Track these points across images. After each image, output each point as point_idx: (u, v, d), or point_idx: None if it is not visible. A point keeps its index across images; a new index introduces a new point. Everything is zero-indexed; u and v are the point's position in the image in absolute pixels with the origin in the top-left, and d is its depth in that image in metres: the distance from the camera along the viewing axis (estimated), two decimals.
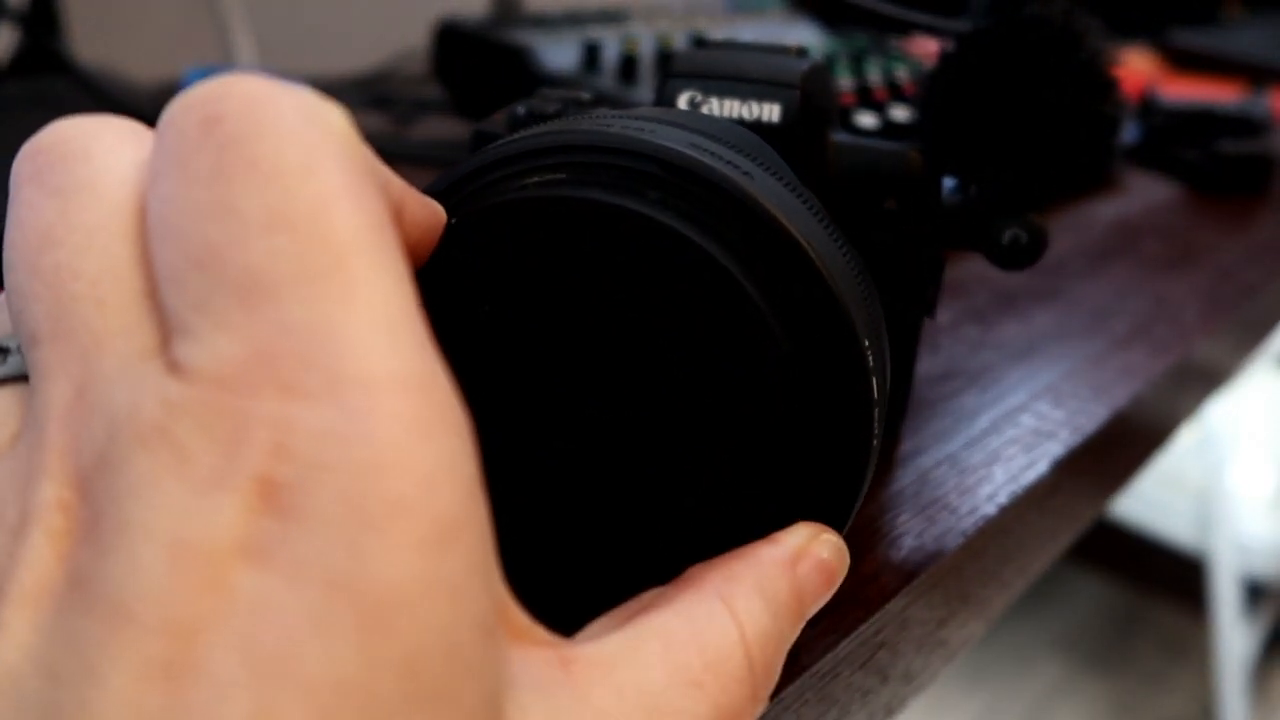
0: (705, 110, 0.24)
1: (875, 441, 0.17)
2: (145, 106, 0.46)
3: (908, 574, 0.23)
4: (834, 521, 0.18)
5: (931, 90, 0.26)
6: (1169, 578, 1.45)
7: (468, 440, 0.11)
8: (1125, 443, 0.34)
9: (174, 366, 0.11)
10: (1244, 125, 0.60)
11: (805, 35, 0.64)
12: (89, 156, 0.13)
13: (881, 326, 0.19)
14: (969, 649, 0.29)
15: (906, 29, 0.38)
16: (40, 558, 0.11)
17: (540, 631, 0.14)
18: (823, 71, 0.26)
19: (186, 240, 0.11)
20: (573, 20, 0.58)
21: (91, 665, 0.10)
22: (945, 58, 0.26)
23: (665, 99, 0.24)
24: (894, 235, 0.25)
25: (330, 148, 0.12)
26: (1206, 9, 1.06)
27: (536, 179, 0.17)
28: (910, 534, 0.25)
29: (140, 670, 0.09)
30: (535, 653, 0.13)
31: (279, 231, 0.11)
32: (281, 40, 0.71)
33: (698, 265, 0.16)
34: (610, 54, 0.51)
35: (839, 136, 0.25)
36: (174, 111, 0.12)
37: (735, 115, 0.24)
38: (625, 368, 0.17)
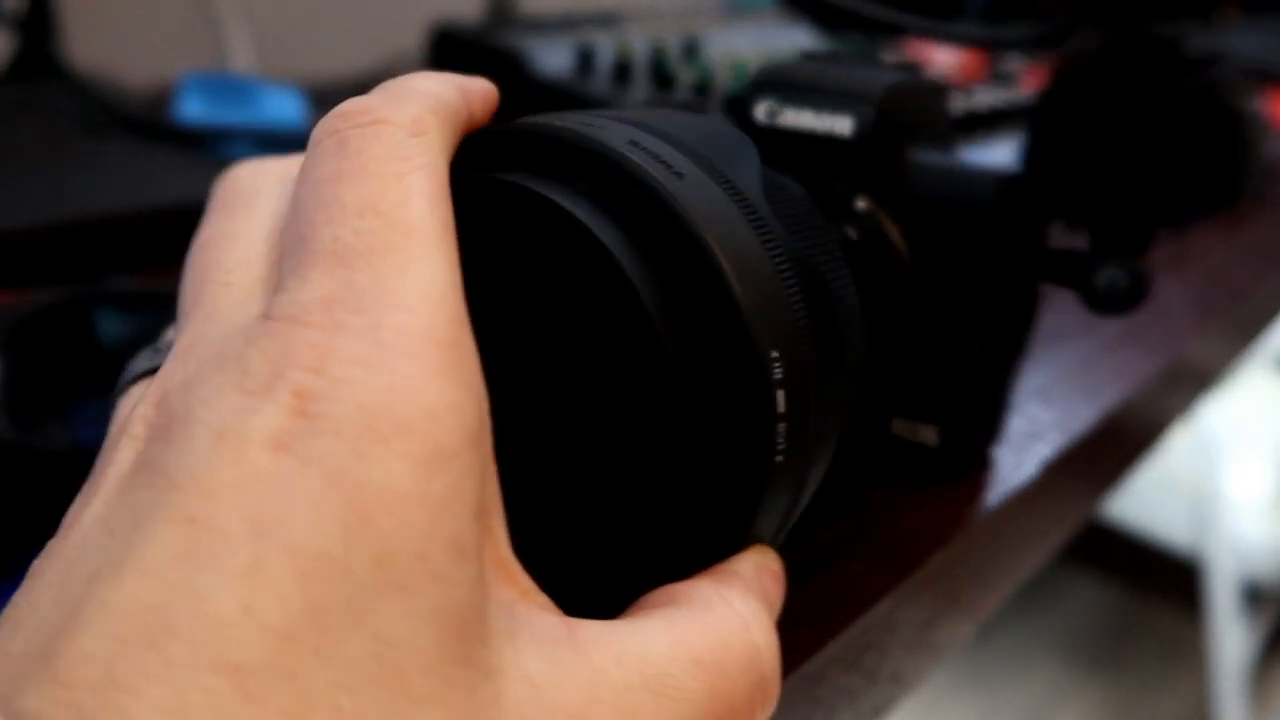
0: (780, 120, 0.24)
1: (779, 456, 0.16)
2: (138, 111, 0.46)
3: (895, 575, 0.23)
4: (730, 526, 0.17)
5: (1040, 117, 0.23)
6: (1167, 580, 1.45)
7: (479, 400, 0.14)
8: (1115, 444, 0.34)
9: (263, 314, 0.14)
10: None
11: (798, 38, 0.64)
12: (255, 191, 0.17)
13: (806, 340, 0.18)
14: (958, 650, 0.29)
15: (899, 32, 0.37)
16: (123, 457, 0.13)
17: (546, 599, 0.15)
18: (917, 89, 0.25)
19: (300, 221, 0.14)
20: (567, 24, 0.58)
21: (139, 520, 0.12)
22: (1059, 80, 0.23)
23: (745, 108, 0.25)
24: (973, 264, 0.24)
25: (422, 161, 0.15)
26: (1201, 11, 1.06)
27: (478, 163, 0.17)
28: (899, 537, 0.25)
29: (172, 521, 0.12)
30: (539, 612, 0.15)
31: (366, 217, 0.14)
32: (278, 43, 0.71)
33: (593, 257, 0.16)
34: (605, 58, 0.51)
35: (925, 156, 0.24)
36: (320, 131, 0.15)
37: (807, 127, 0.24)
38: (527, 347, 0.17)
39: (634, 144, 0.17)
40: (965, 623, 0.28)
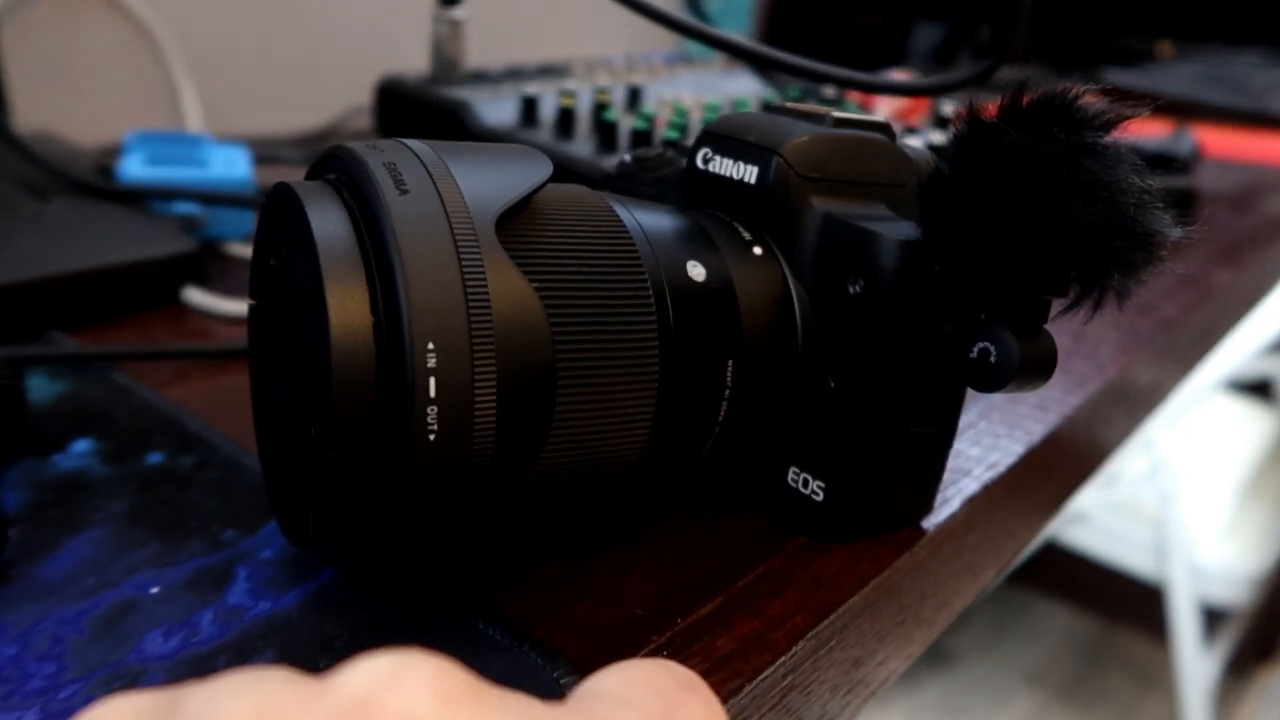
0: (711, 166, 0.26)
1: (431, 437, 0.18)
2: (84, 170, 0.46)
3: (817, 615, 0.24)
4: (392, 492, 0.19)
5: (930, 188, 0.22)
6: (1134, 607, 1.46)
7: None
8: (1045, 476, 0.35)
9: None
10: (1168, 161, 0.62)
11: (742, 85, 0.65)
12: None
13: (466, 338, 0.19)
14: (891, 685, 0.29)
15: (829, 82, 0.39)
16: None
17: None
18: (846, 143, 0.25)
19: None
20: (512, 75, 0.59)
21: None
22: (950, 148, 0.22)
23: (691, 154, 0.27)
24: (857, 319, 0.23)
25: None
26: (1142, 50, 1.10)
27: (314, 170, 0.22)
28: (822, 575, 0.25)
29: None
30: None
31: None
32: (227, 100, 0.72)
33: (311, 250, 0.19)
34: (548, 108, 0.52)
35: (833, 209, 0.24)
36: None
37: (728, 174, 0.26)
38: (285, 306, 0.21)
39: (389, 164, 0.20)
40: (896, 659, 0.28)
